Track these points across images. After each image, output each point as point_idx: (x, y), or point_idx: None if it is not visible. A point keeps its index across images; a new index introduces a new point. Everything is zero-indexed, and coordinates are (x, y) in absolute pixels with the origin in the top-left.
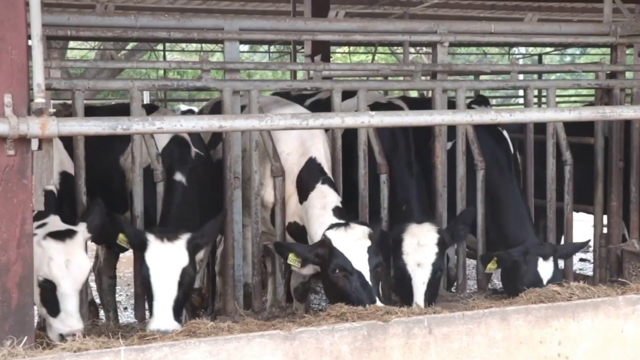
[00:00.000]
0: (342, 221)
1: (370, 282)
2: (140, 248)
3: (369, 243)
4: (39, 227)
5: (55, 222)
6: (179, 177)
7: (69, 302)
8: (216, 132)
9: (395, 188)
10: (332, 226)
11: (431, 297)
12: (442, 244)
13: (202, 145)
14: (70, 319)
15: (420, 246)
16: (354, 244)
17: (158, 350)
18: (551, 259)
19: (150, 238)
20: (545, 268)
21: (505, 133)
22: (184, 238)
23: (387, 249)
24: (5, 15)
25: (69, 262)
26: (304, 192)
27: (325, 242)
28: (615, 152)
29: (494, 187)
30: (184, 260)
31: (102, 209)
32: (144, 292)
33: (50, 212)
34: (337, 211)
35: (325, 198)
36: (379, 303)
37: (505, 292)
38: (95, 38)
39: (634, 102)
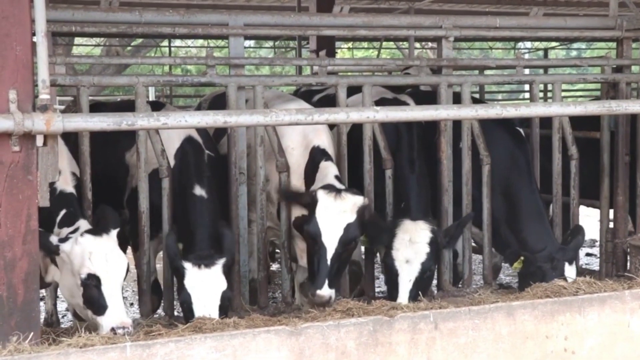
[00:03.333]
0: (340, 186)
1: (328, 263)
2: (177, 273)
3: (351, 219)
4: (72, 232)
5: (86, 225)
6: (198, 191)
7: (115, 296)
8: (220, 127)
9: (395, 184)
10: (328, 186)
11: (418, 295)
12: (434, 244)
13: (212, 145)
14: (119, 313)
15: (411, 243)
16: (334, 217)
17: (164, 346)
18: (574, 262)
19: (187, 266)
20: (571, 272)
21: (522, 132)
22: (220, 263)
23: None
24: (9, 11)
25: (108, 255)
26: (310, 184)
27: (314, 198)
28: (622, 147)
29: (513, 190)
30: (222, 285)
31: (115, 214)
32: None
33: (78, 217)
34: (337, 179)
35: (327, 169)
36: (323, 290)
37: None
38: (99, 34)
39: None
